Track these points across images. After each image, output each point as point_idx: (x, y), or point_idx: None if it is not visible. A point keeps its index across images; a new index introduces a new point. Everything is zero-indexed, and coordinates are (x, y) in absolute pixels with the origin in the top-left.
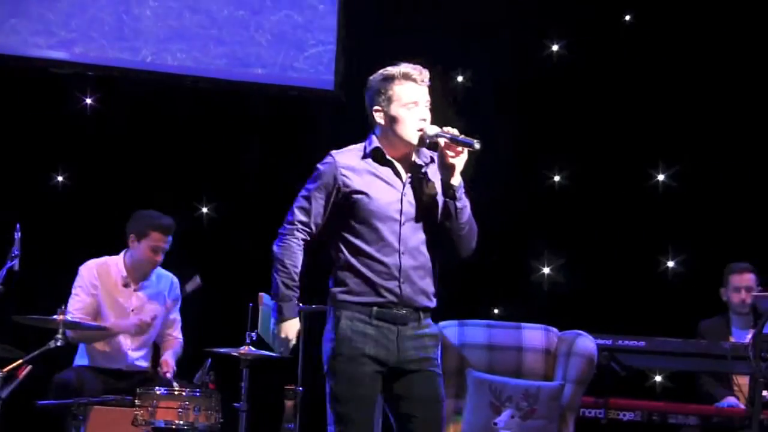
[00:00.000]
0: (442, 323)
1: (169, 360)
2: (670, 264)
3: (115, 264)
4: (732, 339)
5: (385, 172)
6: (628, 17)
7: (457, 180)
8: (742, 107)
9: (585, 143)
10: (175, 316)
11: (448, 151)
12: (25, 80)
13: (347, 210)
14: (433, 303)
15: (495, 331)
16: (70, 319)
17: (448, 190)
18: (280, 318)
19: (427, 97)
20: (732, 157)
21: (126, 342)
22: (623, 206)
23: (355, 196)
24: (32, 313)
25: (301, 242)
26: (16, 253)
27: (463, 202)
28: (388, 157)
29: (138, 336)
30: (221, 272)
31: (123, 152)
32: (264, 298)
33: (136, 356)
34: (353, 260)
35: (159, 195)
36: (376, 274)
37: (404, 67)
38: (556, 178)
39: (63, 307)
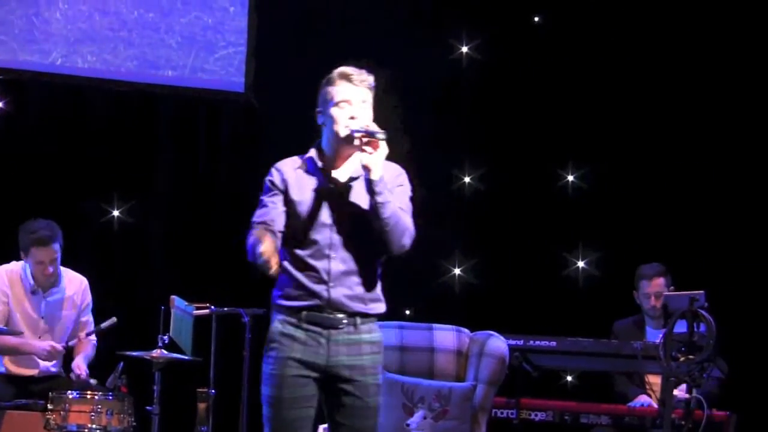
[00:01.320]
0: None
1: (80, 364)
2: (581, 264)
3: (23, 270)
4: (646, 339)
5: (320, 178)
6: (537, 18)
7: (376, 174)
8: (651, 107)
9: (496, 144)
10: (87, 318)
11: (366, 147)
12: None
13: (287, 217)
14: (372, 309)
15: (407, 332)
16: None
17: (369, 185)
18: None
19: (364, 98)
20: (643, 158)
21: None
22: (534, 207)
23: (291, 202)
24: None
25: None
26: None
27: (384, 197)
28: (318, 163)
29: (48, 359)
30: (132, 275)
31: (33, 156)
32: (176, 300)
33: (48, 363)
34: (289, 265)
35: (70, 198)
36: (307, 278)
37: (343, 69)
38: (467, 179)
39: None
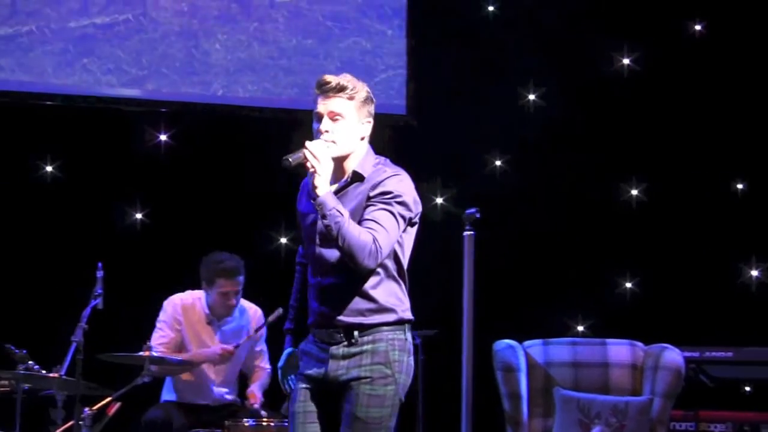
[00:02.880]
0: (526, 343)
1: (256, 392)
2: (754, 273)
3: (198, 299)
4: None
5: (310, 195)
6: (698, 27)
7: (315, 196)
8: None
9: (661, 156)
10: (261, 347)
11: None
12: (98, 119)
13: None
14: (373, 320)
15: (580, 348)
16: (155, 354)
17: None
18: None
19: (331, 109)
20: None
21: (210, 376)
22: (702, 217)
23: (300, 223)
24: (116, 350)
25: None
26: (99, 291)
27: (328, 221)
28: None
29: (222, 365)
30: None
31: (199, 187)
32: None
33: (222, 391)
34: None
35: (237, 227)
36: (311, 295)
37: (321, 77)
38: (634, 192)
39: (147, 343)
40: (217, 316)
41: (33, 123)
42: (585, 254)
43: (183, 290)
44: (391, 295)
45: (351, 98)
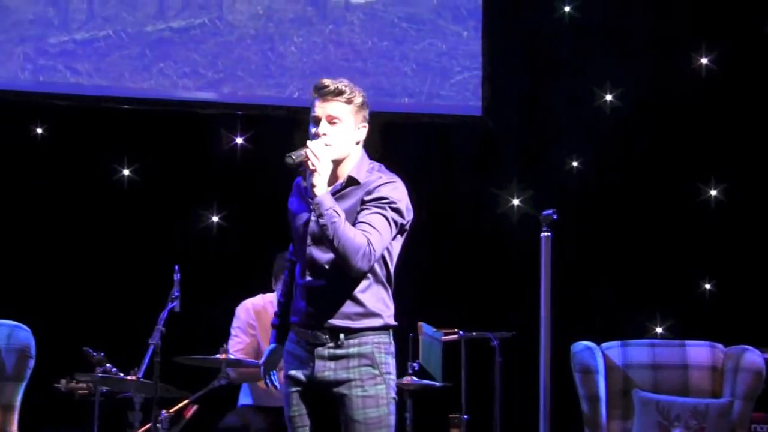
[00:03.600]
0: (604, 344)
1: None
2: None
3: (270, 302)
4: None
5: (304, 196)
6: None
7: (315, 196)
8: None
9: (740, 156)
10: None
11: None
12: (175, 123)
13: None
14: (361, 324)
15: (659, 350)
16: (232, 357)
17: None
18: None
19: (329, 112)
20: None
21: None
22: None
23: (291, 224)
24: (193, 353)
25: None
26: (176, 294)
27: (324, 220)
28: (303, 182)
29: None
30: None
31: (275, 190)
32: (424, 327)
33: None
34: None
35: None
36: (298, 296)
37: (319, 81)
38: (713, 192)
39: (224, 346)
40: None
41: (110, 127)
42: (663, 255)
43: (261, 292)
44: (378, 300)
45: (349, 102)
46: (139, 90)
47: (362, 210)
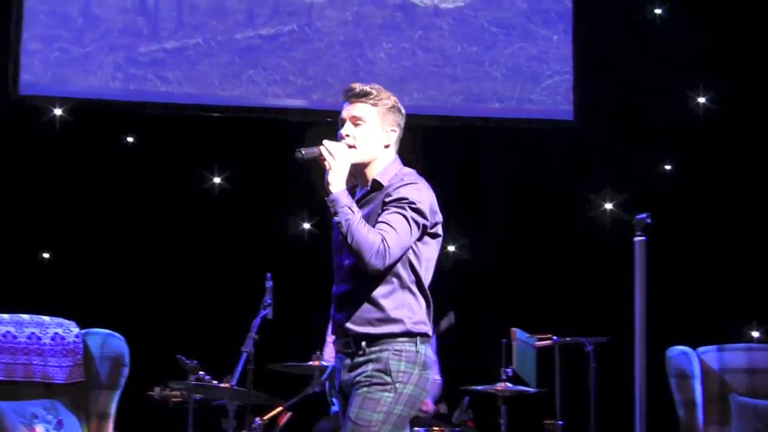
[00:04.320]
0: (700, 349)
1: (427, 401)
2: None
3: None
4: None
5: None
6: None
7: (328, 192)
8: None
9: None
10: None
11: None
12: (265, 130)
13: None
14: (382, 330)
15: (756, 354)
16: (325, 364)
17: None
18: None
19: (353, 114)
20: None
21: None
22: None
23: None
24: (286, 360)
25: None
26: (269, 302)
27: (339, 218)
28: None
29: None
30: (472, 310)
31: None
32: (517, 333)
33: None
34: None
35: None
36: (333, 305)
37: (350, 84)
38: None
39: (318, 353)
40: None
41: (200, 135)
42: (759, 259)
43: None
44: (402, 306)
45: (374, 104)
46: (229, 98)
47: (382, 212)
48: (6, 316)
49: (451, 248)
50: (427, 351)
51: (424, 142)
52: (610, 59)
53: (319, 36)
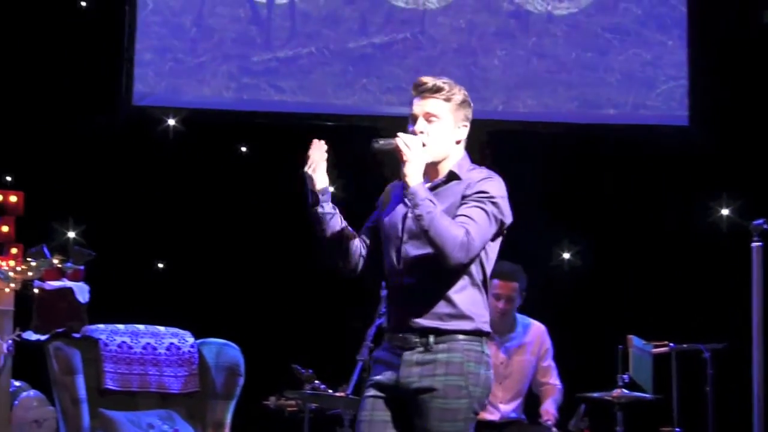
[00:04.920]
0: None
1: (550, 409)
2: None
3: None
4: None
5: (400, 193)
6: None
7: (408, 185)
8: None
9: None
10: (549, 363)
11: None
12: (379, 138)
13: (378, 234)
14: (451, 326)
15: None
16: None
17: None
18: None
19: (427, 110)
20: None
21: (498, 393)
22: None
23: (380, 221)
24: None
25: None
26: (383, 310)
27: (420, 209)
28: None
29: (509, 383)
30: (587, 317)
31: None
32: (633, 340)
33: (509, 408)
34: (384, 284)
35: (519, 242)
36: (388, 297)
37: (419, 78)
38: None
39: None
40: (499, 332)
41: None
42: None
43: None
44: (473, 303)
45: (448, 100)
46: (343, 106)
47: (461, 205)
48: (121, 326)
49: (566, 255)
50: (488, 350)
51: (541, 149)
52: (726, 64)
53: (432, 44)
